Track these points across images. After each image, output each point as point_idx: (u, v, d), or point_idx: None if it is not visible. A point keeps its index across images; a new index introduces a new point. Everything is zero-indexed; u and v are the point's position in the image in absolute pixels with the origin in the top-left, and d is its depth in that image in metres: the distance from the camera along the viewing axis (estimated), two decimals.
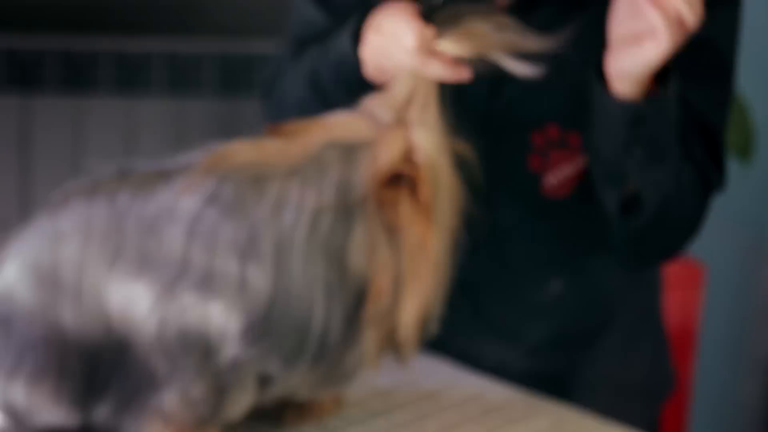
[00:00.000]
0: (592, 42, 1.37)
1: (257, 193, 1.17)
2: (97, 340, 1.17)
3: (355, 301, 1.19)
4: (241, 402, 1.20)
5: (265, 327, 1.16)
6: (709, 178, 1.47)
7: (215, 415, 1.19)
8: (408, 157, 1.20)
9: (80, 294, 1.16)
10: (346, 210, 1.18)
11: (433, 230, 1.19)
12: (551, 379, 1.54)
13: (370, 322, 1.20)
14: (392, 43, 1.30)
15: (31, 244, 1.19)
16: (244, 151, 1.19)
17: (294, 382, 1.21)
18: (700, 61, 1.42)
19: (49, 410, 1.19)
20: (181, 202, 1.16)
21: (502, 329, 1.56)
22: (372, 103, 1.24)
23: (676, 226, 1.48)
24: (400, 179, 1.19)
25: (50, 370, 1.18)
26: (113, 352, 1.17)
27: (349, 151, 1.20)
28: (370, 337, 1.20)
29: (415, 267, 1.19)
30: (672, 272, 2.68)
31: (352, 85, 1.36)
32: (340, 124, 1.22)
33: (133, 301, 1.16)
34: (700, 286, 2.77)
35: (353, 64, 1.39)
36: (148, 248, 1.16)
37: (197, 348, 1.15)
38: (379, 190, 1.18)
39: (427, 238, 1.19)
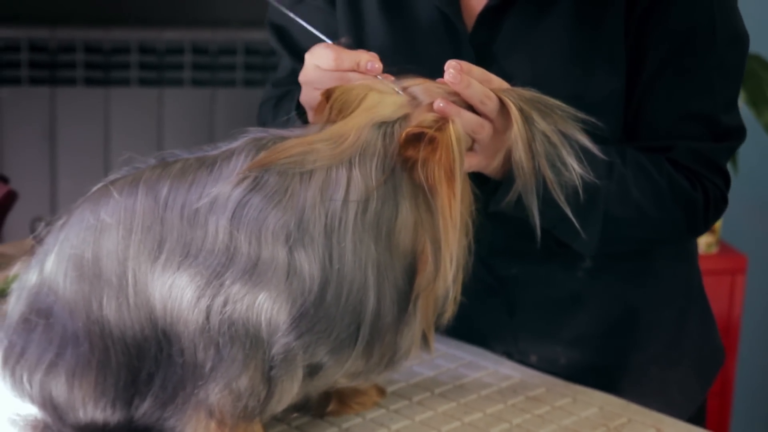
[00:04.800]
0: (550, 53, 1.41)
1: (303, 177, 1.16)
2: (141, 332, 1.16)
3: (404, 279, 1.18)
4: (288, 393, 1.18)
5: (317, 314, 1.14)
6: (717, 164, 1.46)
7: (262, 407, 1.17)
8: (437, 123, 1.18)
9: (123, 286, 1.16)
10: (393, 187, 1.17)
11: (455, 195, 1.17)
12: (600, 368, 1.53)
13: (420, 296, 1.19)
14: (304, 70, 1.34)
15: (73, 236, 1.18)
16: (295, 144, 1.18)
17: (343, 370, 1.20)
18: (680, 52, 1.42)
19: (91, 406, 1.19)
20: (225, 190, 1.15)
21: (540, 326, 1.55)
22: (415, 82, 1.24)
23: (658, 227, 1.47)
24: (422, 137, 1.17)
25: (92, 364, 1.18)
26: (157, 345, 1.17)
27: (390, 126, 1.19)
28: (421, 314, 1.19)
29: (445, 229, 1.17)
30: (713, 263, 2.67)
31: None
32: (382, 102, 1.21)
33: (177, 292, 1.15)
34: (741, 277, 2.75)
35: (302, 119, 1.41)
36: (191, 238, 1.15)
37: (245, 338, 1.14)
38: (404, 146, 1.17)
39: (450, 201, 1.17)
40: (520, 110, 1.21)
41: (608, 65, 1.42)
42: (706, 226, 1.49)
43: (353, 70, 1.27)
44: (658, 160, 1.43)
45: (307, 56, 1.33)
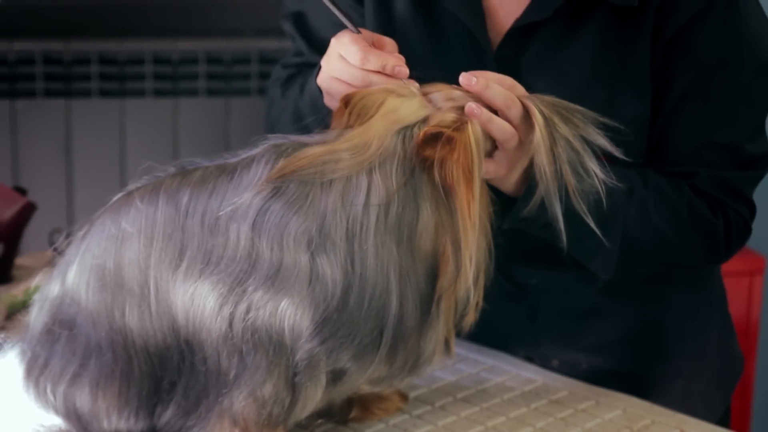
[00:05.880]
0: (575, 76, 1.40)
1: (324, 184, 1.16)
2: (163, 341, 1.17)
3: (427, 282, 1.18)
4: (312, 400, 1.18)
5: (340, 319, 1.14)
6: (741, 193, 1.45)
7: (286, 414, 1.17)
8: (455, 123, 1.18)
9: (145, 295, 1.16)
10: (414, 190, 1.17)
11: (474, 195, 1.16)
12: (623, 375, 1.52)
13: (443, 297, 1.18)
14: (328, 55, 1.32)
15: (94, 246, 1.18)
16: (316, 152, 1.17)
17: (367, 376, 1.20)
18: (706, 81, 1.41)
19: (115, 416, 1.19)
20: (245, 197, 1.15)
21: (562, 332, 1.54)
22: (435, 89, 1.23)
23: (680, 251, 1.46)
24: (439, 137, 1.16)
25: (116, 374, 1.18)
26: (179, 354, 1.17)
27: (409, 129, 1.18)
28: (444, 317, 1.19)
29: (465, 229, 1.17)
30: (731, 264, 2.66)
31: (327, 118, 1.36)
32: (401, 106, 1.21)
33: (199, 300, 1.15)
34: (760, 277, 2.74)
35: (321, 99, 1.39)
36: (213, 245, 1.15)
37: (269, 345, 1.14)
38: (422, 146, 1.17)
39: (469, 202, 1.16)
40: (543, 114, 1.21)
41: (633, 91, 1.41)
42: (727, 254, 1.48)
43: (378, 72, 1.26)
44: (680, 185, 1.42)
45: (334, 42, 1.32)
